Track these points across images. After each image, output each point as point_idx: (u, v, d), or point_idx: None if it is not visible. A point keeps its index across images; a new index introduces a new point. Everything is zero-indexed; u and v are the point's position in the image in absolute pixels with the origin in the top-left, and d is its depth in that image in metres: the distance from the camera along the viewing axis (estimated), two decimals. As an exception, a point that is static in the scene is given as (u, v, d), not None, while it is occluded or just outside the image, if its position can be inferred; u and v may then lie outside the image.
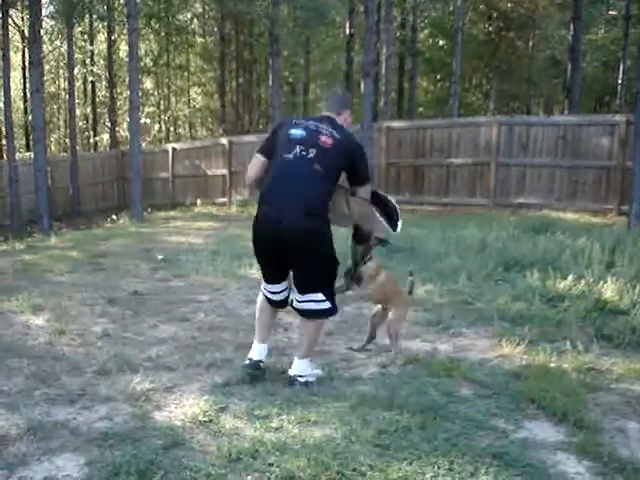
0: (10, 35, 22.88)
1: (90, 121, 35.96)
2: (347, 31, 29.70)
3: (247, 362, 4.48)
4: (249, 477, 3.15)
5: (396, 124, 17.96)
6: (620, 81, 29.57)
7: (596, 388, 4.37)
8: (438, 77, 34.50)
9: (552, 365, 4.66)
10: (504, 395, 4.19)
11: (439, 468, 3.24)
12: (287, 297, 4.48)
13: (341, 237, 4.99)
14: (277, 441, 3.51)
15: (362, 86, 14.83)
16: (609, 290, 6.26)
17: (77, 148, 25.05)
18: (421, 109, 34.43)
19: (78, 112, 32.15)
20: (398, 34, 30.20)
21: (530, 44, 33.05)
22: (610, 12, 32.58)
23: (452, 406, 3.99)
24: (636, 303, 5.90)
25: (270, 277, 4.44)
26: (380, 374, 4.57)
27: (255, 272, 7.92)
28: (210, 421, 3.78)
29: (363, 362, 4.87)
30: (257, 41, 32.21)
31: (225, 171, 20.54)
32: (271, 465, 3.26)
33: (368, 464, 3.25)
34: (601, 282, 6.49)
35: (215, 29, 33.66)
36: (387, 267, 7.70)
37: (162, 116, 36.46)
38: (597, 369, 4.70)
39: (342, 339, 5.43)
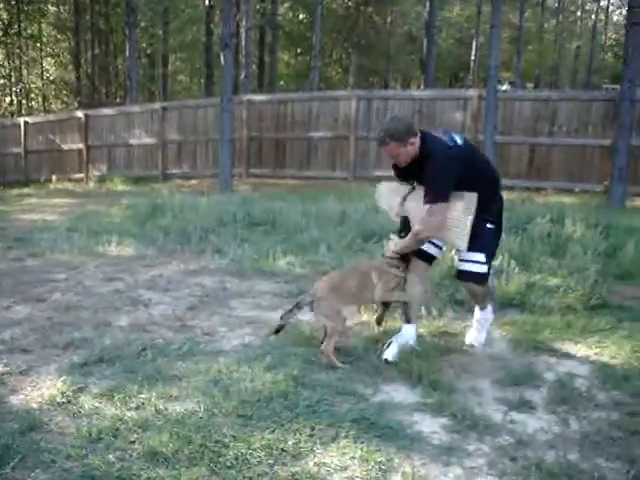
0: None
1: None
2: (206, 2, 29.20)
3: None
4: (110, 456, 3.11)
5: (257, 97, 17.90)
6: (473, 57, 30.75)
7: (450, 350, 4.61)
8: (299, 51, 34.67)
9: (409, 331, 4.83)
10: (364, 361, 4.32)
11: (301, 435, 3.32)
12: None
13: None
14: (139, 418, 3.48)
15: (222, 58, 14.64)
16: (461, 257, 6.54)
17: None
18: (282, 82, 34.51)
19: None
20: (258, 6, 30.03)
21: (388, 20, 33.74)
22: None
23: (314, 374, 4.09)
24: (485, 269, 6.21)
25: None
26: (243, 346, 4.60)
27: (114, 249, 7.75)
28: (69, 402, 3.70)
29: (225, 335, 4.87)
30: (113, 11, 31.20)
31: (82, 145, 19.81)
32: (133, 442, 3.23)
33: (231, 435, 3.28)
34: (454, 250, 6.75)
35: (69, -3, 32.29)
36: (248, 240, 7.76)
37: (13, 88, 34.67)
38: (451, 332, 4.95)
39: (205, 313, 5.40)
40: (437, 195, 4.27)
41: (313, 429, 3.38)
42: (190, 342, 4.63)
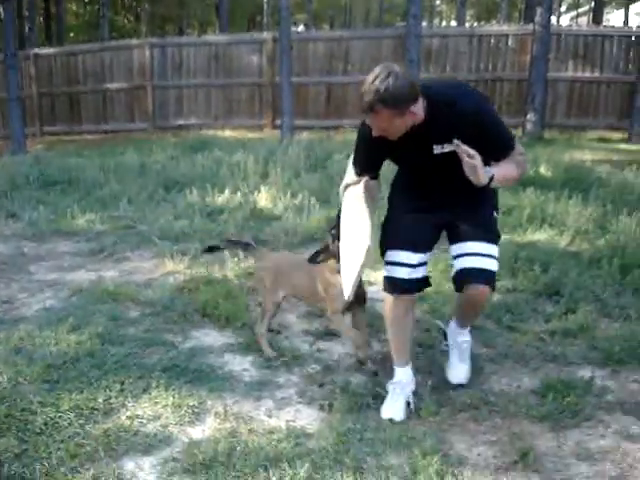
0: None
1: None
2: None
3: None
4: None
5: (45, 51, 16.92)
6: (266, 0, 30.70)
7: (256, 290, 4.65)
8: (87, 0, 33.02)
9: (215, 275, 4.87)
10: (171, 310, 4.31)
11: (111, 391, 3.28)
12: None
13: None
14: None
15: (1, 11, 13.70)
16: (263, 199, 6.66)
17: None
18: (72, 34, 32.82)
19: None
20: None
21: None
22: None
23: (121, 329, 4.03)
24: (287, 208, 6.37)
25: None
26: (44, 310, 4.43)
27: None
28: None
29: (25, 301, 4.66)
30: None
31: None
32: None
33: (38, 401, 3.18)
34: (256, 192, 6.88)
35: None
36: (44, 201, 7.42)
37: None
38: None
39: (2, 281, 5.13)
40: (510, 139, 3.08)
41: (123, 384, 3.35)
42: (-12, 314, 4.41)
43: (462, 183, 2.92)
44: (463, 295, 3.26)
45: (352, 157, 3.36)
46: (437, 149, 3.01)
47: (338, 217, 3.39)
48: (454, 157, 2.89)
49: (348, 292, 3.09)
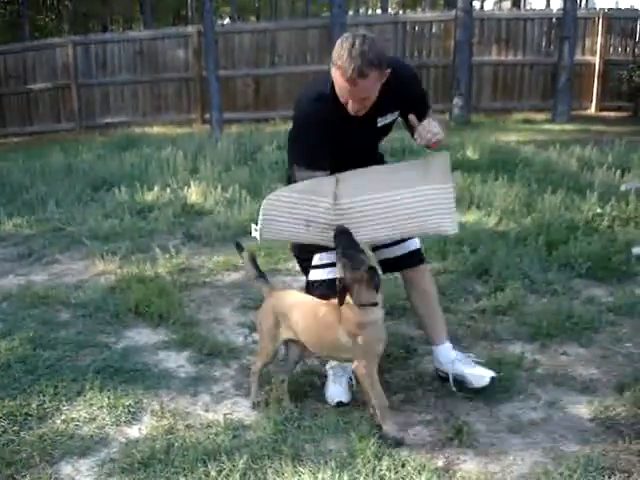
0: None
1: None
2: None
3: None
4: None
5: (-37, 53, 16.44)
6: (190, -7, 30.37)
7: (190, 285, 4.68)
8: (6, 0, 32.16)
9: (147, 273, 4.81)
10: (103, 311, 4.25)
11: (44, 395, 3.23)
12: None
13: None
14: None
15: None
16: (194, 194, 6.62)
17: None
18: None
19: None
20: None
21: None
22: None
23: (52, 333, 3.95)
24: (218, 202, 6.34)
25: None
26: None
27: None
28: None
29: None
30: None
31: None
32: None
33: (-31, 410, 3.11)
34: (186, 188, 6.83)
35: None
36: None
37: None
38: (189, 268, 5.01)
39: None
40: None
41: (57, 387, 3.29)
42: None
43: (372, 158, 3.05)
44: (408, 287, 3.37)
45: (308, 162, 2.99)
46: (380, 121, 2.99)
47: (344, 234, 2.83)
48: (384, 129, 3.02)
49: (455, 224, 3.05)
